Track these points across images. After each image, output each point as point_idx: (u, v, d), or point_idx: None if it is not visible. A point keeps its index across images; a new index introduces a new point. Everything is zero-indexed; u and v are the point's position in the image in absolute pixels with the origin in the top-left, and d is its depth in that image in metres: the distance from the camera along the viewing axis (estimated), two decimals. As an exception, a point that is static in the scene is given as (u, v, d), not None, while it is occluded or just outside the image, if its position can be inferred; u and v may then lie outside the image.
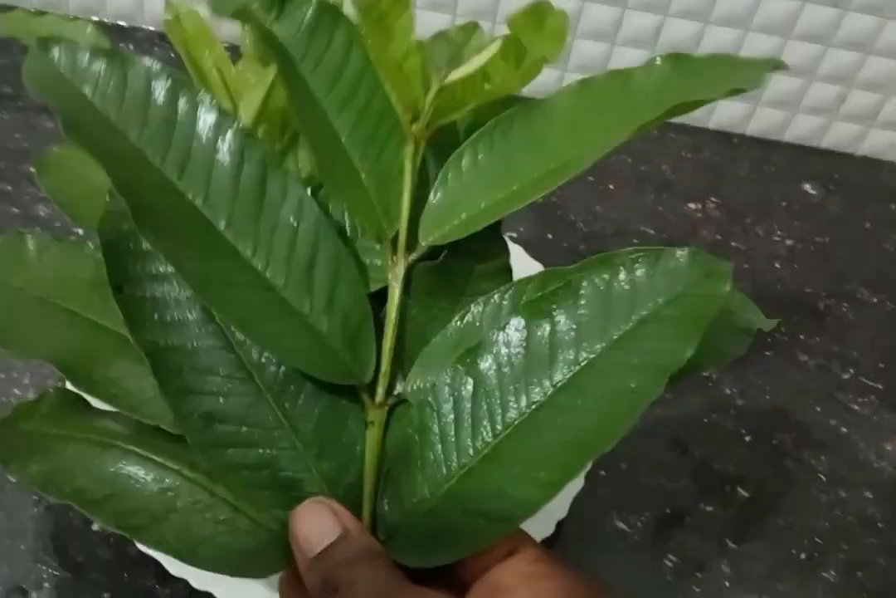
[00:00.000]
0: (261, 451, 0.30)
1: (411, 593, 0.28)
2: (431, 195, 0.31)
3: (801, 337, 0.56)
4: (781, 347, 0.55)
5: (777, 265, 0.60)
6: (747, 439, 0.50)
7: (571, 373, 0.29)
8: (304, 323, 0.30)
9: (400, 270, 0.31)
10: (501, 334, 0.30)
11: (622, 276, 0.30)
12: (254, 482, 0.30)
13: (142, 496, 0.30)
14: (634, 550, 0.44)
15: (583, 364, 0.29)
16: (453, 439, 0.30)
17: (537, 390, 0.29)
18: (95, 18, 0.70)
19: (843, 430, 0.51)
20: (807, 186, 0.67)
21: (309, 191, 0.31)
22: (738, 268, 0.60)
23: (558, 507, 0.42)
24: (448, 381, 0.30)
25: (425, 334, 0.32)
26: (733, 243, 0.61)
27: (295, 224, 0.30)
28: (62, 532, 0.42)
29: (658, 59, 0.31)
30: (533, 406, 0.29)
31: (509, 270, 0.34)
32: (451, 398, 0.30)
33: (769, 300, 0.58)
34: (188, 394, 0.30)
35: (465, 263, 0.33)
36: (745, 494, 0.47)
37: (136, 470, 0.31)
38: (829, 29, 0.64)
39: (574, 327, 0.29)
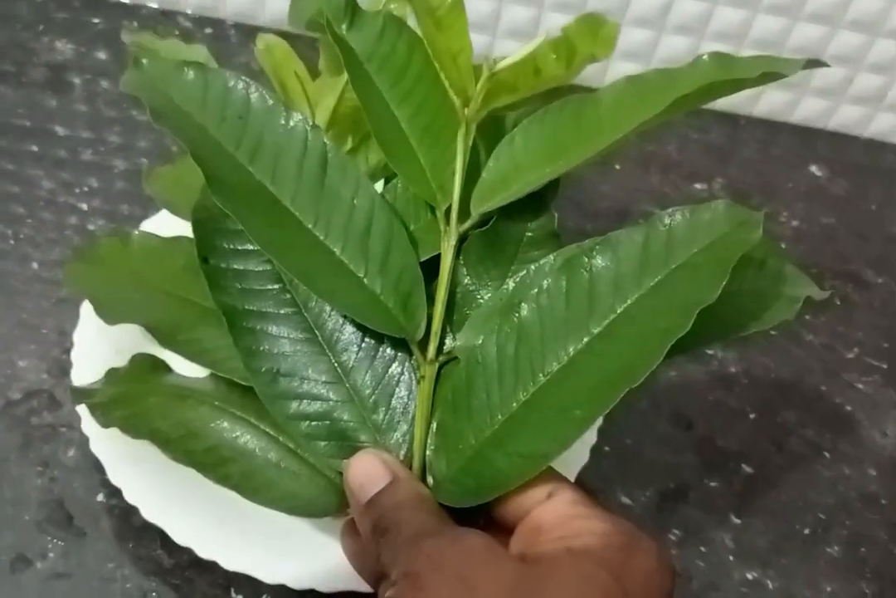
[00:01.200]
0: (320, 403, 0.34)
1: (454, 532, 0.29)
2: (484, 172, 0.35)
3: (807, 317, 0.56)
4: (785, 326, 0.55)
5: (782, 246, 0.60)
6: (752, 416, 0.50)
7: (608, 321, 0.31)
8: (360, 283, 0.33)
9: (452, 237, 0.34)
10: (543, 287, 0.32)
11: (660, 228, 0.32)
12: (313, 432, 0.34)
13: (213, 439, 0.35)
14: (638, 524, 0.44)
15: (619, 312, 0.31)
16: (497, 389, 0.32)
17: (576, 338, 0.31)
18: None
19: (848, 408, 0.51)
20: (812, 168, 0.66)
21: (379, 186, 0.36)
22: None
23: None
24: (493, 335, 0.32)
25: (476, 298, 0.35)
26: (738, 223, 0.61)
27: (352, 200, 0.34)
28: (67, 502, 0.42)
29: (705, 56, 0.33)
30: (571, 354, 0.31)
31: (557, 237, 0.36)
32: (496, 351, 0.32)
33: (774, 280, 0.58)
34: (259, 351, 0.34)
35: (515, 231, 0.36)
36: (749, 470, 0.47)
37: (209, 417, 0.36)
38: (837, 10, 0.63)
39: (612, 278, 0.31)
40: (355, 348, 0.35)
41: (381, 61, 0.36)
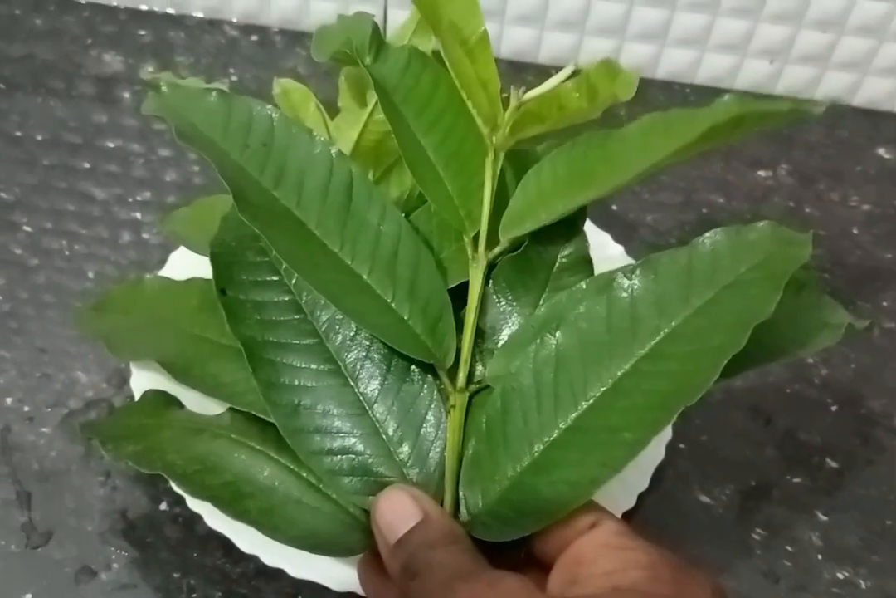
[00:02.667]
0: (343, 437, 0.33)
1: (490, 576, 0.27)
2: (511, 200, 0.34)
3: (885, 304, 0.53)
4: (865, 314, 0.53)
5: (855, 231, 0.58)
6: (833, 408, 0.48)
7: (654, 342, 0.30)
8: (388, 306, 0.33)
9: (480, 263, 0.34)
10: (580, 311, 0.32)
11: (703, 249, 0.31)
12: (337, 468, 0.33)
13: (230, 474, 0.34)
14: (720, 523, 0.42)
15: (665, 333, 0.30)
16: (537, 416, 0.31)
17: (620, 361, 0.30)
18: (144, 7, 0.70)
19: (935, 396, 0.48)
20: (881, 151, 0.64)
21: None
22: (815, 235, 0.57)
23: (639, 479, 0.40)
24: (529, 361, 0.31)
25: (508, 325, 0.34)
26: (807, 210, 0.59)
27: (379, 226, 0.34)
28: (129, 512, 0.41)
29: (727, 96, 0.31)
30: (616, 376, 0.30)
31: (590, 262, 0.35)
32: (532, 377, 0.31)
33: (849, 267, 0.55)
34: (279, 383, 0.33)
35: (547, 256, 0.35)
36: (834, 464, 0.45)
37: (226, 451, 0.35)
38: (900, -15, 0.61)
39: (654, 299, 0.31)
40: (379, 379, 0.34)
41: (406, 92, 0.36)
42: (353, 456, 0.33)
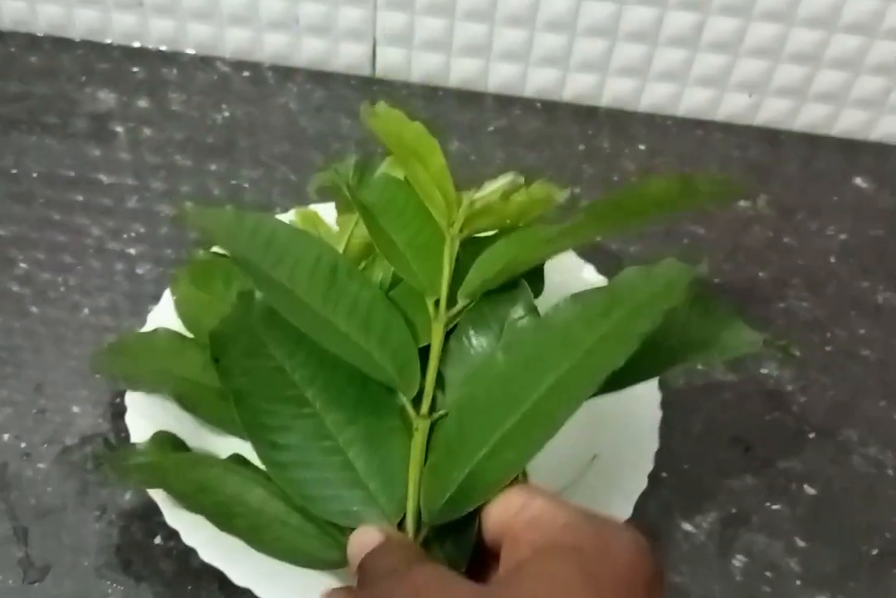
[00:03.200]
0: (317, 469, 0.38)
1: (408, 570, 0.30)
2: (469, 273, 0.42)
3: (861, 332, 0.55)
4: (842, 342, 0.54)
5: (832, 260, 0.59)
6: (811, 435, 0.49)
7: (579, 354, 0.36)
8: (363, 351, 0.40)
9: (441, 319, 0.41)
10: (522, 336, 0.39)
11: (619, 281, 0.38)
12: (314, 495, 0.37)
13: (222, 495, 0.38)
14: (701, 551, 0.43)
15: (587, 347, 0.36)
16: (487, 420, 0.36)
17: (554, 371, 0.36)
18: (138, 45, 0.72)
19: (910, 424, 0.50)
20: (857, 180, 0.65)
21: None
22: (793, 264, 0.59)
23: (623, 508, 0.41)
24: (481, 380, 0.38)
25: (467, 366, 0.40)
26: (785, 240, 0.60)
27: (357, 293, 0.42)
28: (124, 547, 0.42)
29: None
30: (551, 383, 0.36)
31: (535, 310, 0.40)
32: (484, 392, 0.37)
33: (826, 296, 0.57)
34: (261, 426, 0.39)
35: (501, 311, 0.41)
36: (813, 491, 0.46)
37: (220, 476, 0.39)
38: (874, 19, 0.63)
39: (581, 320, 0.37)
40: (349, 416, 0.39)
41: (384, 206, 0.45)
42: (326, 485, 0.37)
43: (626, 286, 0.37)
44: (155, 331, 0.46)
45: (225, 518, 0.37)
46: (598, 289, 0.38)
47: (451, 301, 0.42)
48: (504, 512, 0.32)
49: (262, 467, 0.39)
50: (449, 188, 0.45)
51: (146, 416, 0.43)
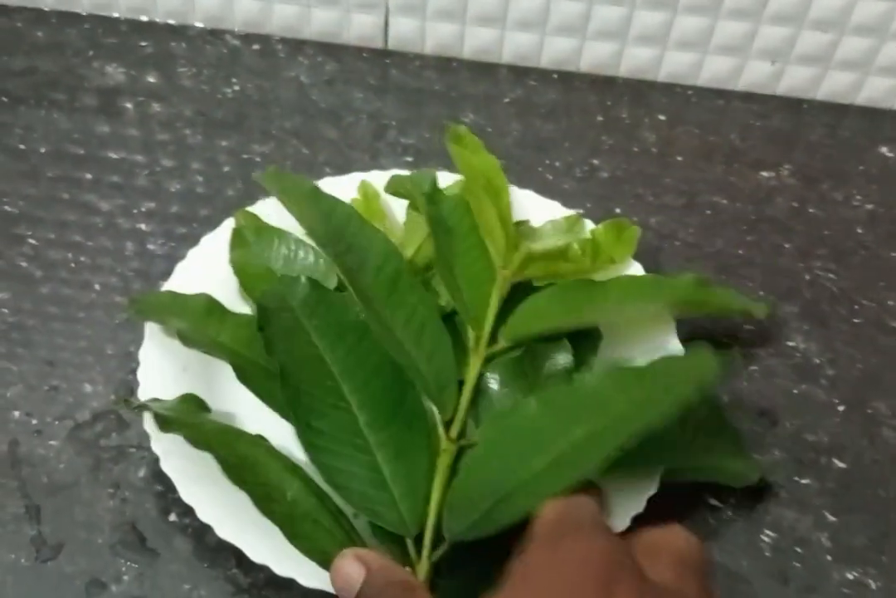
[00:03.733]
0: (348, 463, 0.39)
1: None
2: (512, 315, 0.45)
3: (890, 303, 0.53)
4: (870, 313, 0.52)
5: (859, 230, 0.58)
6: (840, 408, 0.48)
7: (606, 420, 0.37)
8: (414, 361, 0.41)
9: (480, 354, 0.44)
10: (552, 394, 0.40)
11: (651, 368, 0.39)
12: (345, 485, 0.38)
13: (263, 477, 0.38)
14: (729, 526, 0.42)
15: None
16: (511, 461, 0.38)
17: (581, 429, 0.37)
18: (145, 18, 0.70)
19: (942, 395, 0.48)
20: (883, 149, 0.64)
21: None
22: (818, 235, 0.57)
23: (648, 483, 0.40)
24: (510, 425, 0.39)
25: (494, 405, 0.42)
26: (811, 210, 0.59)
27: (415, 305, 0.43)
28: (139, 524, 0.41)
29: (689, 274, 0.47)
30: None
31: (570, 372, 0.43)
32: (513, 436, 0.39)
33: (853, 267, 0.55)
34: (300, 404, 0.39)
35: (537, 361, 0.44)
36: (842, 464, 0.45)
37: (264, 459, 0.39)
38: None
39: (607, 393, 0.38)
40: (386, 424, 0.40)
41: (449, 227, 0.48)
42: (354, 479, 0.38)
43: (659, 367, 0.39)
44: (197, 296, 0.46)
45: (264, 501, 0.37)
46: (633, 366, 0.40)
47: (492, 339, 0.44)
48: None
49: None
50: (510, 229, 0.47)
51: (160, 374, 0.43)
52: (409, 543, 0.37)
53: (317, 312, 0.42)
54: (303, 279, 0.42)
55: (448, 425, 0.41)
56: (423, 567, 0.36)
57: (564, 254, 0.47)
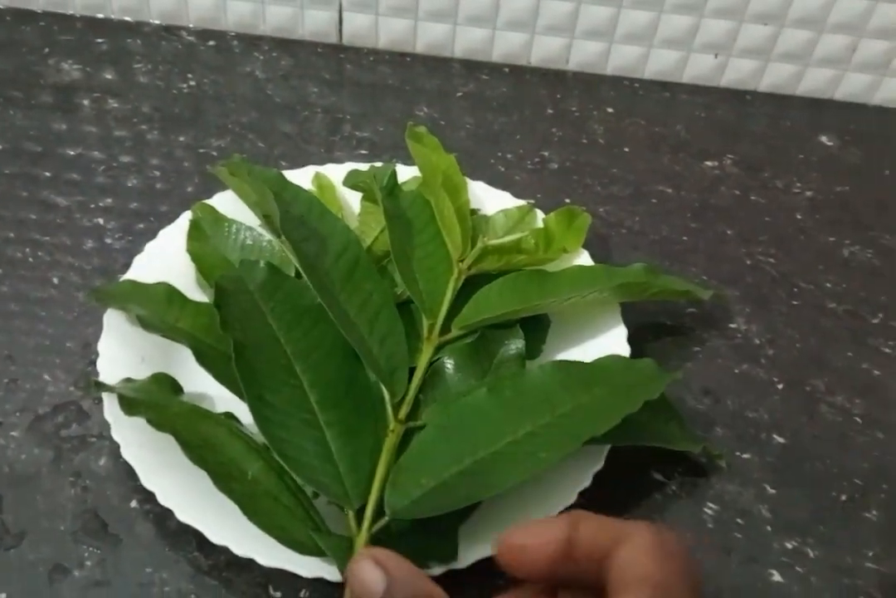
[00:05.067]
0: (297, 436, 0.39)
1: None
2: (465, 306, 0.46)
3: (828, 285, 0.55)
4: (808, 296, 0.54)
5: (798, 217, 0.60)
6: (780, 386, 0.49)
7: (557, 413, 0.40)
8: (366, 345, 0.42)
9: (433, 342, 0.45)
10: (508, 382, 0.41)
11: (600, 362, 0.42)
12: (288, 456, 0.39)
13: (224, 456, 0.39)
14: (673, 500, 0.44)
15: (565, 410, 0.40)
16: (459, 443, 0.39)
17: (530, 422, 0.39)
18: (101, 15, 0.71)
19: (877, 373, 0.50)
20: (823, 138, 0.66)
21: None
22: (760, 221, 0.59)
23: (594, 459, 0.41)
24: (460, 409, 0.40)
25: (444, 390, 0.44)
26: (752, 198, 0.61)
27: (371, 293, 0.44)
28: (101, 511, 0.42)
29: (637, 265, 0.49)
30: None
31: (523, 358, 0.45)
32: (460, 420, 0.40)
33: (793, 251, 0.57)
34: (253, 379, 0.40)
35: (491, 349, 0.45)
36: (782, 440, 0.47)
37: (226, 438, 0.40)
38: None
39: (560, 385, 0.40)
40: (336, 402, 0.41)
41: (407, 221, 0.49)
42: (302, 452, 0.39)
43: (605, 369, 0.41)
44: (158, 284, 0.46)
45: (223, 480, 0.37)
46: (580, 364, 0.42)
47: (445, 327, 0.46)
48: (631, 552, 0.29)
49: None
50: (467, 225, 0.50)
51: (119, 364, 0.44)
52: (351, 515, 0.38)
53: (274, 296, 0.43)
54: (261, 264, 0.43)
55: (397, 406, 0.42)
56: (362, 539, 0.37)
57: (518, 245, 0.49)
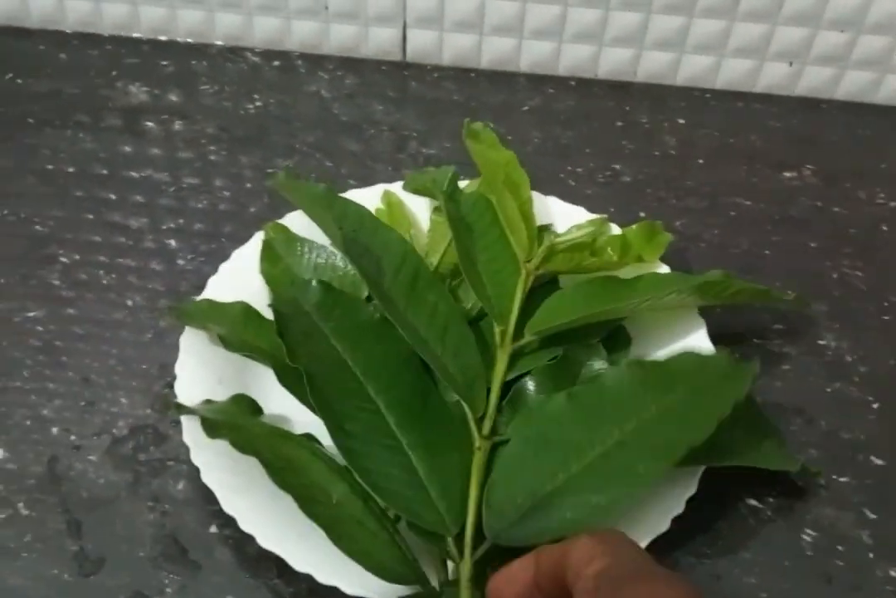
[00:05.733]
0: (383, 464, 0.38)
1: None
2: (539, 310, 0.45)
3: (918, 299, 0.53)
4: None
5: (884, 228, 0.58)
6: (875, 405, 0.47)
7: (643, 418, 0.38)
8: (440, 360, 0.41)
9: (506, 349, 0.44)
10: (553, 401, 0.40)
11: (676, 361, 0.40)
12: (378, 485, 0.38)
13: (309, 479, 0.38)
14: (769, 526, 0.42)
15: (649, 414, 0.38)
16: (547, 458, 0.38)
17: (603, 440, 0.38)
18: (166, 38, 0.71)
19: (978, 390, 0.48)
20: (905, 147, 0.64)
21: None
22: (844, 233, 0.57)
23: (688, 484, 0.40)
24: (542, 417, 0.40)
25: (524, 403, 0.42)
26: (835, 209, 0.59)
27: (436, 304, 0.43)
28: (180, 536, 0.42)
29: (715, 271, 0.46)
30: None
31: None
32: (545, 428, 0.39)
33: (878, 263, 0.55)
34: (330, 409, 0.39)
35: (572, 369, 0.44)
36: (880, 461, 0.45)
37: (309, 461, 0.39)
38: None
39: (642, 386, 0.39)
40: (419, 426, 0.40)
41: (470, 223, 0.48)
42: (390, 480, 0.38)
43: (680, 365, 0.39)
44: (235, 303, 0.46)
45: (308, 503, 0.36)
46: (655, 362, 0.40)
47: (518, 334, 0.44)
48: (576, 561, 0.30)
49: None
50: (532, 223, 0.48)
51: (197, 386, 0.44)
52: (451, 542, 0.37)
53: (332, 314, 0.42)
54: (314, 283, 0.43)
55: (480, 422, 0.41)
56: (466, 566, 0.36)
57: (590, 247, 0.47)
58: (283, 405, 0.42)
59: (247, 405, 0.42)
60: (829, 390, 0.48)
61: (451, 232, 0.46)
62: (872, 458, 0.45)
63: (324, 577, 0.37)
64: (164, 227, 0.57)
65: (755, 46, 0.66)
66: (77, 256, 0.55)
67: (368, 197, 0.52)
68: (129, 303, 0.52)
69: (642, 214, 0.58)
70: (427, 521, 0.37)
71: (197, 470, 0.40)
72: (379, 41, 0.70)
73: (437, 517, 0.37)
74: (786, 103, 0.67)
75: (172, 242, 0.56)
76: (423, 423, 0.40)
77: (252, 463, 0.37)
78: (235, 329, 0.44)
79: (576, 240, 0.48)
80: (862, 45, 0.64)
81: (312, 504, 0.36)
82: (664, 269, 0.49)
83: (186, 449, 0.41)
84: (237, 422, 0.40)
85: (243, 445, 0.38)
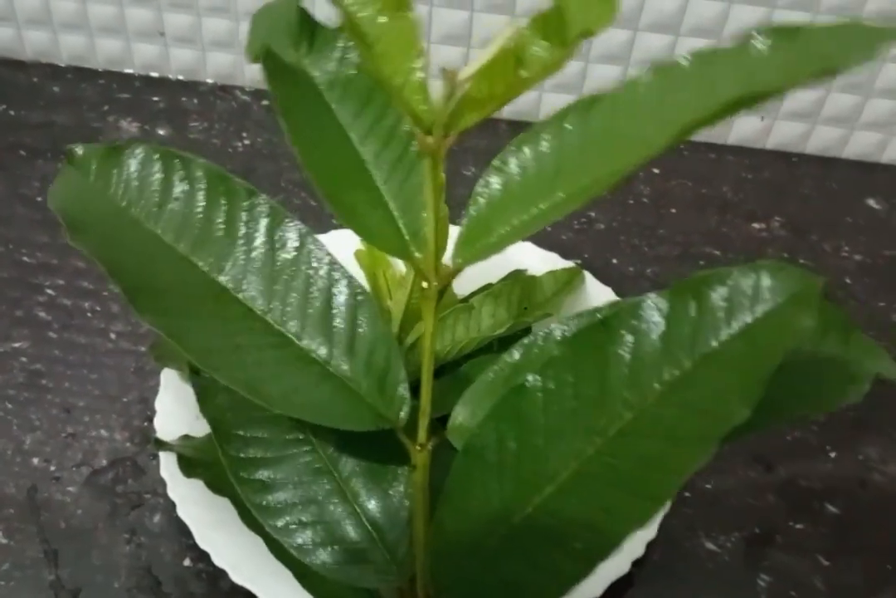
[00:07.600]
0: (310, 506, 0.34)
1: None
2: (466, 215, 0.27)
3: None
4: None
5: (848, 281, 0.60)
6: (832, 454, 0.49)
7: (620, 423, 0.26)
8: (324, 371, 0.30)
9: (431, 294, 0.27)
10: (549, 367, 0.26)
11: (689, 305, 0.27)
12: (308, 541, 0.34)
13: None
14: (726, 570, 0.44)
15: (635, 411, 0.26)
16: (499, 490, 0.27)
17: (580, 440, 0.26)
18: (158, 75, 0.73)
19: (933, 441, 0.50)
20: (870, 202, 0.66)
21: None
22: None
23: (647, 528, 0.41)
24: (493, 421, 0.27)
25: (473, 373, 0.34)
26: (801, 260, 0.61)
27: (307, 272, 0.31)
28: (154, 568, 0.43)
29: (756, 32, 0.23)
30: (580, 459, 0.26)
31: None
32: (495, 442, 0.27)
33: (842, 315, 0.57)
34: (245, 458, 0.35)
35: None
36: (835, 510, 0.46)
37: None
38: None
39: (626, 370, 0.26)
40: (340, 443, 0.34)
41: (344, 86, 0.30)
42: (321, 526, 0.34)
43: (708, 307, 0.27)
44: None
45: (278, 546, 0.34)
46: (658, 300, 0.28)
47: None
48: None
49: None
50: (413, 65, 0.25)
51: (176, 421, 0.44)
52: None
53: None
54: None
55: (412, 428, 0.30)
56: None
57: (516, 55, 0.25)
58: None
59: None
60: (788, 438, 0.50)
61: (309, 113, 0.30)
62: (828, 506, 0.47)
63: (294, 609, 0.38)
64: (150, 261, 0.58)
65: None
66: (62, 287, 0.56)
67: (350, 237, 0.53)
68: (113, 335, 0.53)
69: (615, 261, 0.60)
70: (381, 573, 0.33)
71: (173, 504, 0.41)
72: (366, 83, 0.71)
73: (389, 565, 0.33)
74: (757, 156, 0.69)
75: (157, 276, 0.57)
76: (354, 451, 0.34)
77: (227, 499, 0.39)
78: None
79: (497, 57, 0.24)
80: (831, 102, 0.67)
81: (282, 549, 0.36)
82: (608, 292, 0.51)
83: (163, 483, 0.42)
84: (213, 460, 0.40)
85: (216, 485, 0.38)
